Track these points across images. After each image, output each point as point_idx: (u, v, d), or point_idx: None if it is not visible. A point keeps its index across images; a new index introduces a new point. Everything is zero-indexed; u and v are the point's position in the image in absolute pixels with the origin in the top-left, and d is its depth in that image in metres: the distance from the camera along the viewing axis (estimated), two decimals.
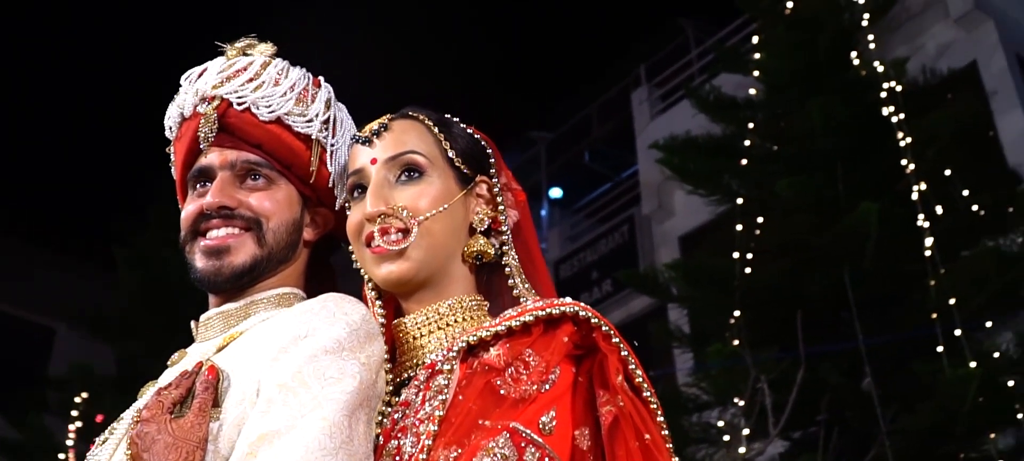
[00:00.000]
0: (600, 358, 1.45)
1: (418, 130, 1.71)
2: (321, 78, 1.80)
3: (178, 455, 1.39)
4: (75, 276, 15.47)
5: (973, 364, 7.14)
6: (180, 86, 1.78)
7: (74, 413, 11.50)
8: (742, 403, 7.65)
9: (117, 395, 11.37)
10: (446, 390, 1.44)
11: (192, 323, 1.77)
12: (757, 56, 9.26)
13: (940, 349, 7.39)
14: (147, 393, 1.65)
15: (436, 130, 1.72)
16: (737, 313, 7.95)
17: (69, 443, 11.41)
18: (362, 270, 1.73)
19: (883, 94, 8.33)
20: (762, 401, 7.29)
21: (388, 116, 1.74)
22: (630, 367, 1.45)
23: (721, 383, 7.87)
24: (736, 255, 8.35)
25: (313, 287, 1.76)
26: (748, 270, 8.24)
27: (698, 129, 9.71)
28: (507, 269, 1.69)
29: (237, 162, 1.69)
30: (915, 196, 7.84)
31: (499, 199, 1.73)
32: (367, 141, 1.69)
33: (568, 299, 1.51)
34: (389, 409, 1.54)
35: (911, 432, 7.21)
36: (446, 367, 1.47)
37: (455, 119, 1.78)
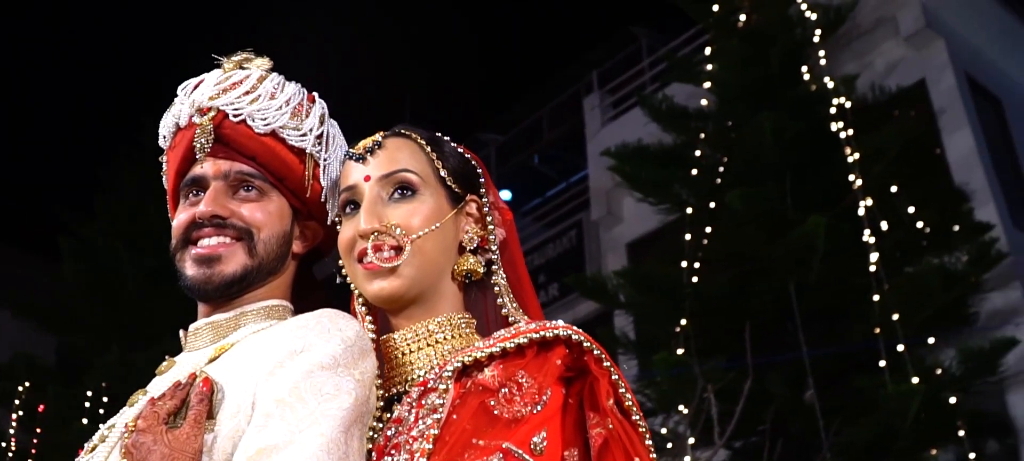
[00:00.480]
0: (591, 381, 1.47)
1: (411, 148, 1.73)
2: (315, 94, 1.83)
3: None
4: (18, 265, 15.19)
5: (916, 380, 7.21)
6: (176, 96, 1.80)
7: (16, 402, 11.32)
8: (686, 411, 7.65)
9: (60, 386, 11.20)
10: (441, 409, 1.45)
11: (181, 332, 1.78)
12: (709, 67, 9.31)
13: (883, 364, 7.46)
14: (138, 402, 1.64)
15: (428, 149, 1.74)
16: (684, 321, 7.96)
17: (11, 431, 11.24)
18: (352, 285, 1.74)
19: (832, 110, 8.40)
20: (708, 410, 7.30)
21: (381, 133, 1.76)
22: (620, 391, 1.47)
23: (667, 391, 7.89)
24: (684, 264, 8.37)
25: (299, 300, 1.79)
26: (695, 279, 8.26)
27: (649, 137, 9.73)
28: (496, 288, 1.72)
29: (230, 172, 1.71)
30: (862, 211, 7.91)
31: (488, 218, 1.76)
32: (360, 158, 1.71)
33: (560, 322, 1.52)
34: (380, 425, 1.56)
35: (853, 445, 7.26)
36: (441, 386, 1.48)
37: (445, 138, 1.80)
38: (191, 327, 1.75)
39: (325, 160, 1.77)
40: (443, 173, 1.72)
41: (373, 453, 1.51)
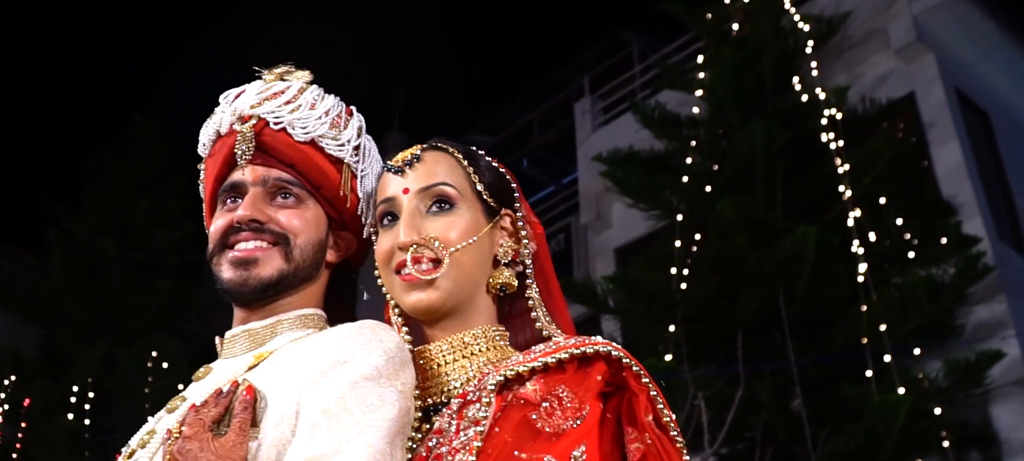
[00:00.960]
0: (629, 395, 1.50)
1: (449, 162, 1.75)
2: (353, 107, 1.86)
3: None
4: (4, 258, 15.10)
5: (902, 390, 7.27)
6: (218, 105, 1.83)
7: (1, 396, 11.26)
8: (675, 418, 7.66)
9: (45, 380, 11.15)
10: (483, 421, 1.48)
11: (216, 339, 1.80)
12: (701, 75, 9.36)
13: (869, 373, 7.52)
14: (178, 408, 1.66)
15: (465, 163, 1.76)
16: (672, 328, 7.99)
17: None
18: (388, 295, 1.76)
19: (823, 120, 8.47)
20: (698, 417, 7.33)
21: (419, 146, 1.78)
22: (658, 406, 1.50)
23: None
24: (673, 270, 8.41)
25: (330, 309, 1.81)
26: (684, 286, 8.30)
27: (639, 143, 9.77)
28: (530, 301, 1.73)
29: (269, 179, 1.74)
30: (850, 222, 7.97)
31: (523, 232, 1.77)
32: (399, 170, 1.73)
33: (599, 338, 1.55)
34: (418, 436, 1.59)
35: (839, 454, 7.30)
36: (483, 399, 1.50)
37: (480, 151, 1.81)
38: (227, 334, 1.77)
39: (362, 171, 1.80)
40: (479, 187, 1.74)
41: None
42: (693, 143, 9.21)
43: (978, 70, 10.58)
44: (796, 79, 8.94)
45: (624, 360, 1.50)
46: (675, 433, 1.50)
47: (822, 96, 8.60)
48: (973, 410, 8.37)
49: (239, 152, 1.73)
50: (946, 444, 7.50)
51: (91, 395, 11.10)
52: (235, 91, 1.81)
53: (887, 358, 7.56)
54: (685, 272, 8.39)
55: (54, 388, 11.08)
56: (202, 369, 1.74)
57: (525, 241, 1.77)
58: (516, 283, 1.73)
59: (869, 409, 7.20)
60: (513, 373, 1.51)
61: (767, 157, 8.18)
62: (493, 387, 1.50)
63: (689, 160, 9.07)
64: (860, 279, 7.79)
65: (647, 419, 1.47)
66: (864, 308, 7.69)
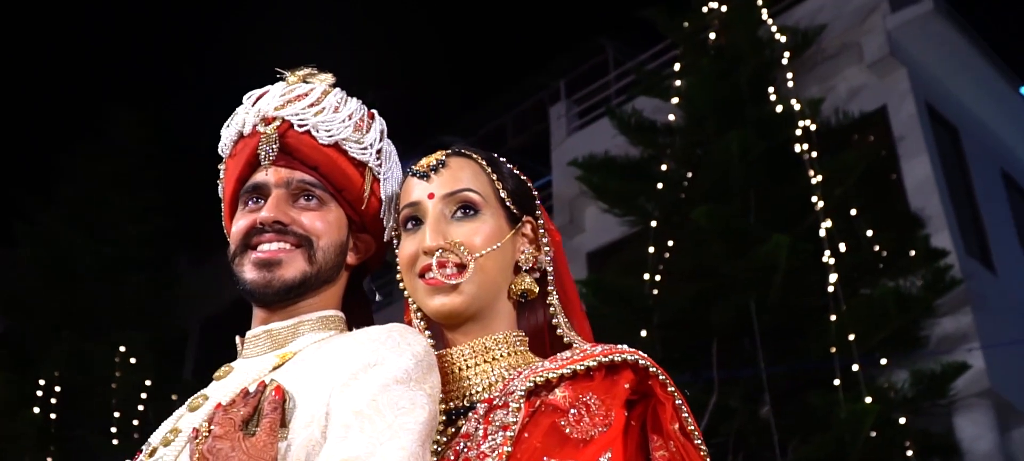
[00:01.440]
0: (654, 403, 1.52)
1: (473, 168, 1.76)
2: (375, 111, 1.86)
3: None
4: None
5: (869, 400, 7.39)
6: (240, 104, 1.83)
7: None
8: None
9: (11, 374, 11.02)
10: (513, 426, 1.49)
11: (236, 338, 1.80)
12: (678, 83, 9.43)
13: (837, 382, 7.62)
14: (200, 406, 1.66)
15: (488, 170, 1.77)
16: (644, 333, 8.05)
17: None
18: (410, 299, 1.78)
19: (798, 131, 8.57)
20: None
21: (443, 152, 1.79)
22: (683, 415, 1.53)
23: None
24: (647, 276, 8.48)
25: (348, 311, 1.81)
26: (656, 292, 8.37)
27: (615, 149, 9.82)
28: (551, 308, 1.76)
29: (292, 181, 1.74)
30: (822, 232, 8.07)
31: (544, 240, 1.79)
32: (424, 175, 1.74)
33: (624, 346, 1.56)
34: (443, 439, 1.60)
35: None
36: (512, 404, 1.52)
37: (502, 159, 1.83)
38: (248, 334, 1.77)
39: (383, 175, 1.81)
40: (503, 194, 1.75)
41: None
42: (668, 150, 9.29)
43: (949, 85, 10.74)
44: (771, 90, 9.03)
45: (651, 369, 1.53)
46: (699, 442, 1.53)
47: (797, 107, 8.71)
48: (937, 420, 8.50)
49: (263, 153, 1.73)
50: (910, 454, 7.62)
51: (58, 389, 10.99)
52: (257, 92, 1.82)
53: (855, 368, 7.67)
54: (658, 278, 8.47)
55: (20, 382, 10.96)
56: (223, 368, 1.75)
57: (546, 248, 1.78)
58: (537, 289, 1.75)
59: (837, 418, 7.30)
60: (542, 379, 1.53)
61: (743, 166, 8.26)
62: (523, 393, 1.52)
63: (664, 167, 9.14)
64: (830, 289, 7.90)
65: (673, 427, 1.49)
66: (834, 318, 7.80)
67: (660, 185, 8.98)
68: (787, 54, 9.17)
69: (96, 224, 12.20)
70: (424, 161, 1.77)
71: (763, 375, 7.74)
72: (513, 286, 1.74)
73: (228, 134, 1.82)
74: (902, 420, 7.74)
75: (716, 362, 7.68)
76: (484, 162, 1.77)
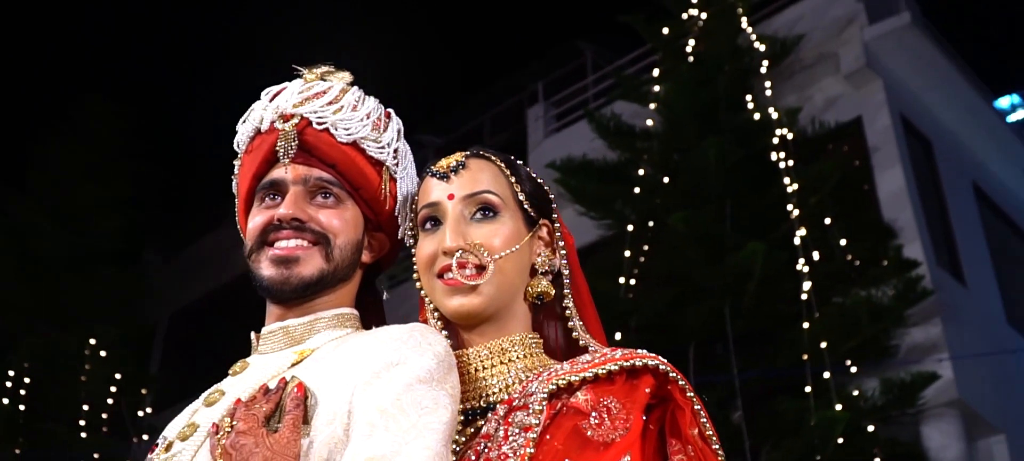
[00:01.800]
0: (672, 408, 1.54)
1: (492, 170, 1.77)
2: (391, 110, 1.87)
3: None
4: None
5: (839, 407, 7.47)
6: (258, 99, 1.83)
7: None
8: None
9: None
10: (535, 428, 1.50)
11: (252, 334, 1.80)
12: (657, 88, 9.48)
13: (808, 389, 7.70)
14: (218, 401, 1.67)
15: (507, 172, 1.78)
16: (619, 336, 8.08)
17: None
18: (427, 299, 1.78)
19: (775, 140, 8.64)
20: None
21: (463, 154, 1.79)
22: (701, 420, 1.54)
23: None
24: (622, 280, 8.52)
25: (361, 309, 1.82)
26: (631, 296, 8.41)
27: (592, 152, 9.85)
28: (567, 311, 1.76)
29: (310, 178, 1.74)
30: (797, 241, 8.15)
31: (560, 243, 1.80)
32: (444, 176, 1.75)
33: (642, 351, 1.58)
34: (462, 439, 1.61)
35: None
36: (534, 406, 1.53)
37: (519, 162, 1.84)
38: (264, 330, 1.77)
39: (399, 174, 1.81)
40: (521, 197, 1.76)
41: None
42: (646, 155, 9.33)
43: (924, 98, 10.86)
44: (749, 98, 9.11)
45: (671, 374, 1.55)
46: (717, 446, 1.54)
47: (775, 116, 8.78)
48: (905, 429, 8.60)
49: (281, 150, 1.73)
50: (878, 460, 7.71)
51: (27, 381, 10.88)
52: (274, 89, 1.82)
53: (826, 375, 7.76)
54: (633, 282, 8.51)
55: None
56: (238, 364, 1.75)
57: (562, 251, 1.79)
58: (553, 292, 1.76)
59: (808, 425, 7.37)
60: (565, 382, 1.54)
61: (720, 173, 8.32)
62: (545, 395, 1.53)
63: (641, 172, 9.18)
64: (804, 297, 7.97)
65: (692, 432, 1.51)
66: (807, 325, 7.87)
67: (637, 190, 9.02)
68: (765, 63, 9.25)
69: (68, 216, 12.07)
70: (443, 162, 1.78)
71: (736, 381, 7.80)
72: (529, 288, 1.75)
73: (244, 129, 1.82)
74: (871, 428, 7.83)
75: (692, 367, 7.72)
76: (503, 164, 1.78)
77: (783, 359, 8.00)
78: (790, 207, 8.32)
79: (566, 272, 1.78)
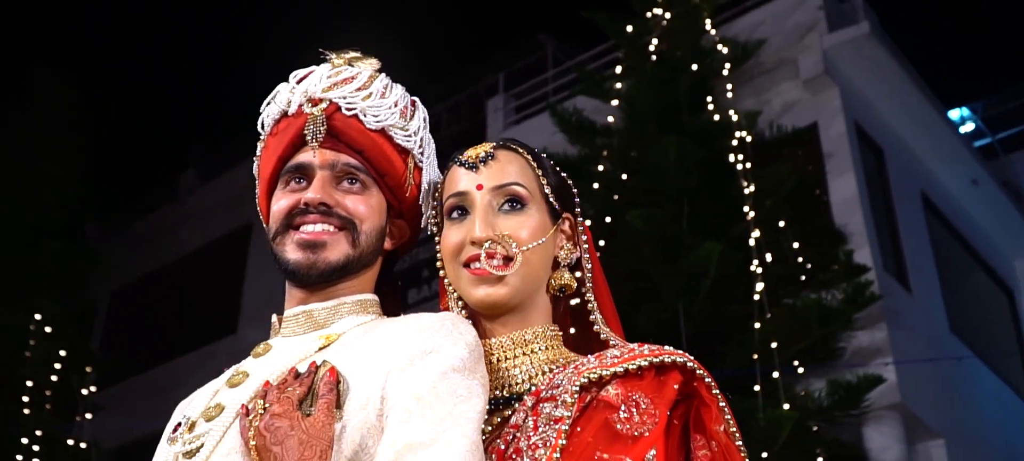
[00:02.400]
0: (697, 404, 1.58)
1: (520, 162, 1.78)
2: (416, 98, 1.87)
3: (313, 453, 1.44)
4: None
5: (787, 406, 7.61)
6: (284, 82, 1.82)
7: None
8: None
9: None
10: (566, 420, 1.53)
11: (273, 317, 1.79)
12: (618, 85, 9.53)
13: (757, 389, 7.83)
14: (243, 383, 1.65)
15: (534, 165, 1.79)
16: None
17: None
18: (451, 288, 1.79)
19: (734, 142, 8.75)
20: None
21: (491, 144, 1.81)
22: (726, 417, 1.59)
23: None
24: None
25: (379, 295, 1.82)
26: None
27: (551, 146, 9.86)
28: (589, 305, 1.80)
29: (337, 163, 1.73)
30: (752, 242, 8.27)
31: (582, 237, 1.83)
32: (473, 166, 1.76)
33: (668, 347, 1.61)
34: (488, 428, 1.62)
35: None
36: (565, 398, 1.56)
37: (544, 155, 1.86)
38: (286, 313, 1.77)
39: (424, 162, 1.82)
40: (547, 190, 1.78)
41: (493, 456, 1.57)
42: (605, 152, 9.38)
43: (878, 107, 11.04)
44: (710, 99, 9.21)
45: (698, 371, 1.58)
46: (739, 443, 1.58)
47: (734, 118, 8.89)
48: (847, 430, 8.78)
49: (310, 134, 1.73)
50: (821, 460, 7.86)
51: None
52: (301, 72, 1.81)
53: (776, 375, 7.89)
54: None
55: None
56: (261, 346, 1.75)
57: (584, 245, 1.82)
58: (575, 285, 1.79)
59: (756, 423, 7.50)
60: (596, 376, 1.57)
61: (678, 172, 8.41)
62: (577, 389, 1.56)
63: (601, 168, 9.24)
64: (756, 298, 8.10)
65: (717, 428, 1.55)
66: (758, 326, 8.00)
67: (595, 185, 9.07)
68: (727, 65, 9.35)
69: (12, 189, 11.79)
70: (471, 152, 1.79)
71: None
72: (553, 280, 1.77)
73: (270, 111, 1.82)
74: (815, 428, 7.99)
75: None
76: (530, 157, 1.80)
77: (734, 359, 8.11)
78: (746, 209, 8.43)
79: (588, 266, 1.81)
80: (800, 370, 8.22)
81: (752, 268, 8.17)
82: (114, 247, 15.52)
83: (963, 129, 13.56)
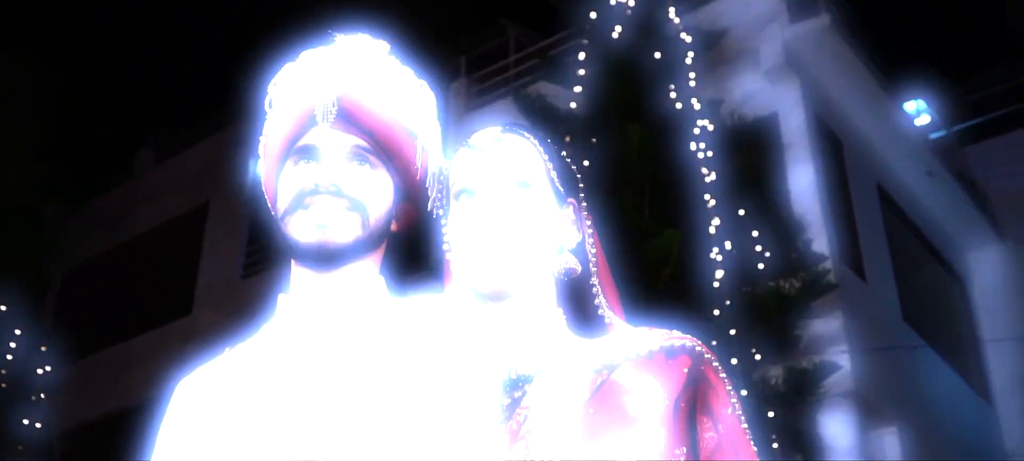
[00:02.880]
0: (704, 387, 1.61)
1: (527, 147, 1.80)
2: (425, 82, 1.86)
3: None
4: None
5: (744, 392, 7.70)
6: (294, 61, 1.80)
7: None
8: None
9: None
10: (578, 402, 1.57)
11: (280, 297, 1.77)
12: (581, 72, 9.54)
13: None
14: None
15: (540, 149, 1.81)
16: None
17: None
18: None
19: (695, 130, 8.80)
20: None
21: (499, 129, 1.82)
22: (733, 400, 1.64)
23: None
24: None
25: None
26: None
27: None
28: (594, 288, 1.81)
29: (348, 144, 1.72)
30: (712, 230, 8.33)
31: (586, 222, 1.84)
32: (480, 150, 1.77)
33: (678, 332, 1.66)
34: (500, 410, 1.63)
35: None
36: (577, 379, 1.60)
37: (549, 140, 1.87)
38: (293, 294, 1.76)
39: (431, 145, 1.81)
40: (553, 175, 1.80)
41: (506, 437, 1.59)
42: (567, 138, 9.39)
43: (838, 100, 11.17)
44: (672, 87, 9.24)
45: (706, 356, 1.63)
46: (746, 426, 1.63)
47: (696, 107, 8.94)
48: (801, 416, 8.90)
49: (320, 114, 1.72)
50: (776, 446, 7.98)
51: None
52: (313, 51, 1.79)
53: (734, 361, 7.98)
54: None
55: None
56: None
57: (588, 229, 1.84)
58: (580, 268, 1.80)
59: None
60: (608, 358, 1.61)
61: (642, 160, 8.45)
62: (590, 371, 1.59)
63: (563, 154, 9.24)
64: (716, 285, 8.17)
65: (725, 411, 1.60)
66: (717, 313, 8.08)
67: None
68: (690, 54, 9.39)
69: None
70: (480, 135, 1.81)
71: None
72: (557, 264, 1.78)
73: (279, 90, 1.80)
74: (771, 414, 8.10)
75: None
76: (536, 142, 1.82)
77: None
78: (707, 197, 8.50)
79: (592, 251, 1.83)
80: (757, 357, 8.31)
81: (712, 256, 8.24)
82: (67, 226, 15.31)
83: (919, 122, 13.75)
